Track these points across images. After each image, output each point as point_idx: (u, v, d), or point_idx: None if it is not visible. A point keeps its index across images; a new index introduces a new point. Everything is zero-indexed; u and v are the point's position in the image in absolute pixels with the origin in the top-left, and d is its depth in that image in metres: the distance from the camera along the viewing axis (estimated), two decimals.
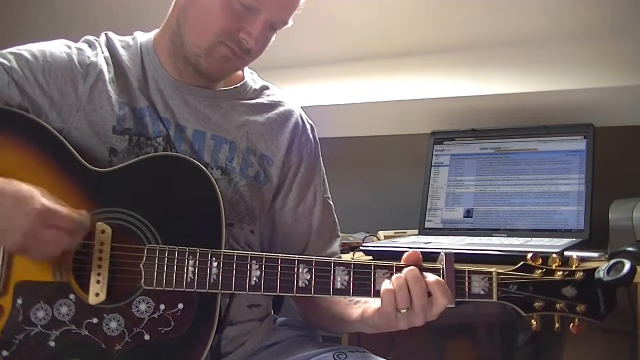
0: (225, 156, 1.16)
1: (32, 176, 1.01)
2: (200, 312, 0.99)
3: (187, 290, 0.98)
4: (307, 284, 0.98)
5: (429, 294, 0.95)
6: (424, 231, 1.70)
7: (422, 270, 0.97)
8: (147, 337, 0.98)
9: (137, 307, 0.98)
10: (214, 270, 0.98)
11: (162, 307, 0.99)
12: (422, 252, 1.00)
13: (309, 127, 1.28)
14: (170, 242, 0.99)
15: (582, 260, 0.99)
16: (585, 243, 1.47)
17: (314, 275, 0.98)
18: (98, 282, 0.98)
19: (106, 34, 1.20)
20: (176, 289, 0.98)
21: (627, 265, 0.90)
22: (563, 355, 1.57)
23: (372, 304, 1.04)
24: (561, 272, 0.95)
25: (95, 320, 0.98)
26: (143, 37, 1.20)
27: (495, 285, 0.96)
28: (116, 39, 1.19)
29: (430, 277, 0.95)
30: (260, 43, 1.11)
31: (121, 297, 0.99)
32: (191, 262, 0.99)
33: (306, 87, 1.99)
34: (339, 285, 0.98)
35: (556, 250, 1.20)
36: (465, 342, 1.83)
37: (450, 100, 1.83)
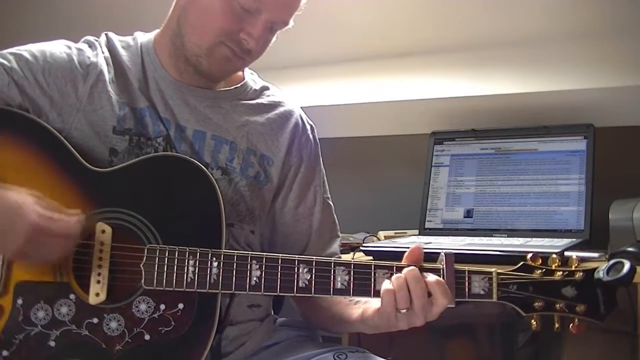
0: (225, 156, 1.16)
1: (32, 176, 1.01)
2: (200, 312, 0.99)
3: (187, 290, 0.98)
4: (307, 283, 0.98)
5: (429, 294, 0.95)
6: (424, 231, 1.70)
7: (422, 270, 0.97)
8: (147, 337, 0.98)
9: (137, 306, 0.98)
10: (214, 270, 0.98)
11: (162, 306, 0.99)
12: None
13: (308, 127, 1.29)
14: (170, 242, 0.99)
15: (582, 260, 0.99)
16: (585, 243, 1.47)
17: (313, 275, 0.98)
18: (98, 281, 0.98)
19: (106, 34, 1.20)
20: (176, 289, 0.98)
21: (627, 265, 0.90)
22: (563, 355, 1.57)
23: (371, 304, 1.04)
24: (561, 272, 0.96)
25: (95, 320, 0.98)
26: (143, 37, 1.20)
27: (495, 285, 0.96)
28: (116, 39, 1.19)
29: (430, 277, 0.95)
30: (261, 43, 1.11)
31: (121, 296, 0.99)
32: (191, 262, 0.99)
33: (306, 87, 1.99)
34: (339, 285, 0.98)
35: (556, 251, 1.19)
36: (465, 342, 1.83)
37: (450, 100, 1.83)
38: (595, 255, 1.28)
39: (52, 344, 0.97)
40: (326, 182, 1.30)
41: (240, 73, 1.24)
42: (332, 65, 1.98)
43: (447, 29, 1.84)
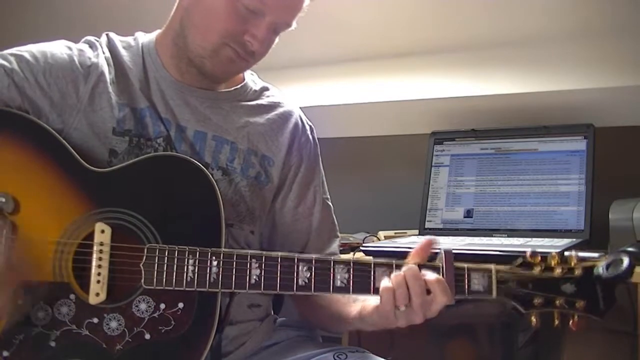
0: (226, 157, 1.16)
1: (31, 177, 1.01)
2: (200, 311, 0.99)
3: (187, 289, 0.98)
4: (307, 282, 0.98)
5: (428, 292, 0.95)
6: (424, 231, 1.70)
7: (422, 267, 0.97)
8: (147, 336, 0.98)
9: (137, 306, 0.98)
10: (214, 269, 0.98)
11: (162, 306, 0.99)
12: None
13: (308, 127, 1.29)
14: (169, 241, 0.99)
15: (582, 260, 0.99)
16: (585, 243, 1.47)
17: (313, 273, 0.98)
18: (98, 281, 0.98)
19: (107, 34, 1.20)
20: (176, 288, 0.98)
21: (626, 261, 0.90)
22: (563, 356, 1.57)
23: (370, 301, 1.04)
24: (560, 269, 0.95)
25: (95, 320, 0.98)
26: (144, 38, 1.20)
27: (494, 282, 0.96)
28: (117, 39, 1.19)
29: (429, 275, 0.95)
30: (265, 45, 1.11)
31: (121, 296, 0.99)
32: (191, 261, 0.99)
33: (306, 87, 1.99)
34: (338, 283, 0.98)
35: (556, 250, 1.19)
36: (465, 342, 1.83)
37: (450, 100, 1.83)
38: (595, 255, 1.27)
39: (53, 344, 0.97)
40: (325, 183, 1.30)
41: (240, 74, 1.24)
42: (332, 65, 1.98)
43: (447, 29, 1.84)
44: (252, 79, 1.27)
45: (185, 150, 1.13)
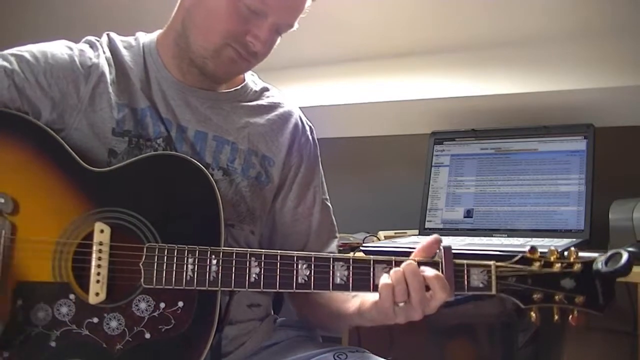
0: (226, 157, 1.16)
1: (30, 177, 1.01)
2: (200, 310, 0.99)
3: (186, 288, 0.98)
4: (306, 279, 0.98)
5: (427, 288, 0.95)
6: (424, 231, 1.70)
7: (421, 264, 0.97)
8: (147, 336, 0.98)
9: (137, 305, 0.98)
10: (213, 268, 0.98)
11: (162, 305, 0.99)
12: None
13: (307, 128, 1.29)
14: (169, 241, 0.99)
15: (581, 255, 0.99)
16: (585, 243, 1.47)
17: (313, 271, 0.98)
18: (98, 281, 0.98)
19: (108, 34, 1.20)
20: (176, 287, 0.98)
21: (625, 256, 0.90)
22: (563, 355, 1.58)
23: (369, 297, 1.04)
24: (559, 264, 0.95)
25: (95, 320, 0.98)
26: (145, 38, 1.20)
27: (493, 277, 0.96)
28: (118, 39, 1.19)
29: (428, 271, 0.95)
30: (267, 46, 1.11)
31: (121, 296, 0.99)
32: (190, 260, 0.99)
33: (306, 87, 1.99)
34: (338, 281, 0.98)
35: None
36: (465, 342, 1.83)
37: (450, 100, 1.83)
38: (596, 255, 1.28)
39: (53, 344, 0.97)
40: (324, 184, 1.30)
41: (241, 75, 1.24)
42: (332, 65, 1.99)
43: (447, 29, 1.84)
44: (252, 79, 1.27)
45: (186, 150, 1.13)
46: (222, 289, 0.99)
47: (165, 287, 0.98)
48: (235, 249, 1.00)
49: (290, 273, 0.98)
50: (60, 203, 1.00)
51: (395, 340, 1.72)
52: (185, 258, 0.98)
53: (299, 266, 0.98)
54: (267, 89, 1.28)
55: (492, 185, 1.68)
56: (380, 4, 1.85)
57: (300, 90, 1.92)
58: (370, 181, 2.10)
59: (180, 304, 0.99)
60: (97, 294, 0.97)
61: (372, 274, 0.98)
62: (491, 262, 0.97)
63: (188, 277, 0.98)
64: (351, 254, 1.47)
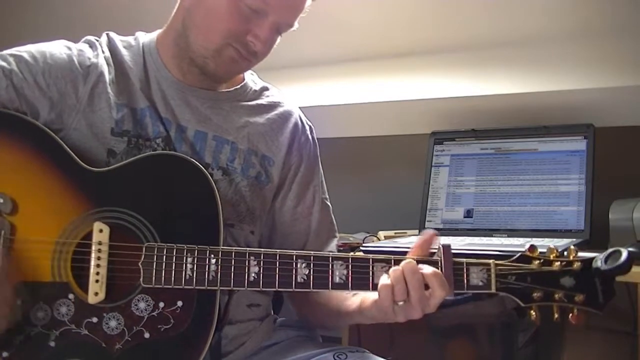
0: (226, 156, 1.16)
1: (29, 177, 1.01)
2: (199, 310, 0.99)
3: (185, 287, 0.98)
4: (306, 278, 0.98)
5: (427, 286, 0.95)
6: (424, 231, 1.70)
7: (420, 262, 0.97)
8: (146, 335, 0.98)
9: (136, 305, 0.98)
10: (212, 267, 0.98)
11: (161, 304, 0.99)
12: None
13: (307, 127, 1.29)
14: (168, 241, 0.99)
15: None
16: (585, 243, 1.47)
17: (312, 270, 0.98)
18: (97, 281, 0.98)
19: (107, 34, 1.20)
20: (175, 287, 0.98)
21: (624, 254, 0.90)
22: (563, 356, 1.57)
23: (370, 295, 1.04)
24: (559, 262, 0.95)
25: (94, 319, 0.98)
26: (145, 38, 1.20)
27: (493, 276, 0.96)
28: (117, 38, 1.19)
29: (427, 269, 0.95)
30: (267, 45, 1.11)
31: (120, 295, 0.99)
32: (189, 259, 0.98)
33: (306, 87, 1.99)
34: (337, 280, 0.98)
35: None
36: (465, 342, 1.83)
37: (450, 100, 1.83)
38: (595, 254, 1.28)
39: (52, 344, 0.97)
40: (324, 183, 1.30)
41: (240, 74, 1.24)
42: (332, 65, 1.98)
43: (447, 29, 1.84)
44: (252, 78, 1.27)
45: (186, 150, 1.13)
46: (222, 288, 0.99)
47: (165, 286, 0.98)
48: (234, 248, 1.00)
49: (289, 272, 0.98)
50: (59, 203, 1.00)
51: (395, 340, 1.72)
52: (185, 257, 0.98)
53: (298, 265, 0.98)
54: (266, 89, 1.28)
55: (492, 185, 1.68)
56: (380, 4, 1.85)
57: (300, 90, 1.92)
58: (370, 181, 2.10)
59: (180, 303, 0.99)
60: (96, 294, 0.97)
61: (371, 272, 0.98)
62: (490, 261, 0.96)
63: (187, 277, 0.98)
64: (351, 254, 1.48)
